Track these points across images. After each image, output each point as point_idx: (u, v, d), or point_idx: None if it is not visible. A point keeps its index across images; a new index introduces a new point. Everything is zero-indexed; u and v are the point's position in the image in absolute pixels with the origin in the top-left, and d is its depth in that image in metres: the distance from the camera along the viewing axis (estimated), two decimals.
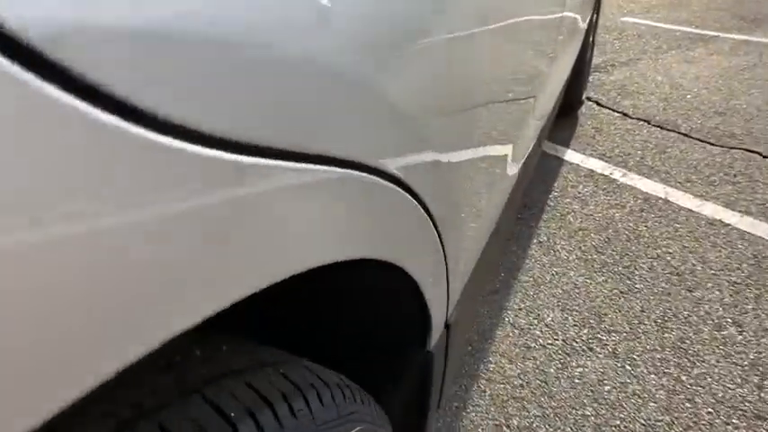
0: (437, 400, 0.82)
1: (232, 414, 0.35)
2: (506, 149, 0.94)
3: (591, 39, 2.75)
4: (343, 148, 0.37)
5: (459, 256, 0.73)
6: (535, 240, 1.84)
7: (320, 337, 0.60)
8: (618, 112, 2.78)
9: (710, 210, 1.94)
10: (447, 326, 0.75)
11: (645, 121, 2.66)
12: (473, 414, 1.24)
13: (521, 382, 1.32)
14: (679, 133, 2.52)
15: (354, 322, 0.59)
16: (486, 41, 0.71)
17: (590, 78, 3.10)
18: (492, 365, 1.36)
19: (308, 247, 0.35)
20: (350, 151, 0.38)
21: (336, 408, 0.43)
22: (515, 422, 1.22)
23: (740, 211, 1.92)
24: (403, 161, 0.48)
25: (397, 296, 0.56)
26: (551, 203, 2.05)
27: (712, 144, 2.40)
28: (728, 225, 1.85)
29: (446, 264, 0.63)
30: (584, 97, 2.83)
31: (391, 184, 0.46)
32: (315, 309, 0.57)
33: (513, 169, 1.05)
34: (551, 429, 1.20)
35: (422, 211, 0.53)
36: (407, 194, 0.49)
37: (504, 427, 1.21)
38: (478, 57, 0.68)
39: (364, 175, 0.41)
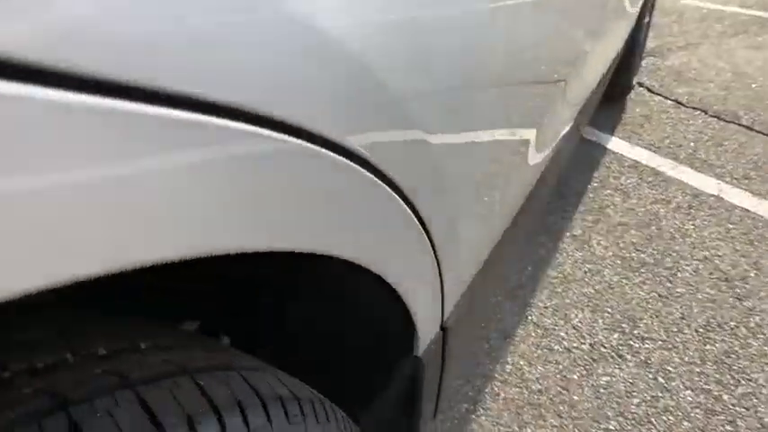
0: (432, 409, 0.74)
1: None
2: (527, 136, 0.83)
3: (645, 20, 2.55)
4: (278, 105, 0.29)
5: (460, 255, 0.64)
6: (568, 233, 1.71)
7: (283, 336, 0.52)
8: (671, 99, 2.58)
9: None
10: (443, 329, 0.67)
11: (701, 110, 2.45)
12: (483, 418, 1.15)
13: (539, 387, 1.22)
14: (739, 125, 2.31)
15: (318, 322, 0.52)
16: (502, 13, 0.61)
17: (642, 63, 2.89)
18: (509, 367, 1.27)
19: (210, 228, 0.27)
20: (290, 111, 0.30)
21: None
22: (529, 431, 1.12)
23: None
24: (372, 138, 0.39)
25: (368, 297, 0.48)
26: (590, 194, 1.91)
27: None
28: None
29: (438, 264, 0.55)
30: (634, 82, 2.64)
31: (352, 164, 0.37)
32: (276, 303, 0.50)
33: (536, 158, 0.94)
34: None
35: (399, 201, 0.44)
36: (377, 179, 0.40)
37: None
38: (490, 29, 0.58)
39: (310, 145, 0.33)
